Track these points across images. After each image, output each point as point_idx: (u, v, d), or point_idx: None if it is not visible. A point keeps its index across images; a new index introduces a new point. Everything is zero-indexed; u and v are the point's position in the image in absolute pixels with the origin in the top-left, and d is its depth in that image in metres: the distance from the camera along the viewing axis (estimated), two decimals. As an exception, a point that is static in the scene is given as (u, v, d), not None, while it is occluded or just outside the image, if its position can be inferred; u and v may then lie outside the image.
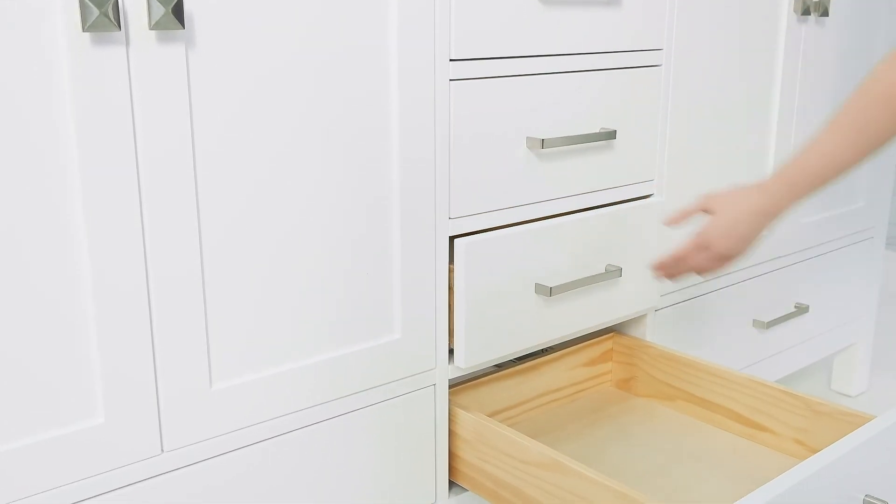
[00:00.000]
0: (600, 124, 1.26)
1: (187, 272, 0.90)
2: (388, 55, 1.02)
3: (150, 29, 0.81)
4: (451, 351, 1.17)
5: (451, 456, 1.20)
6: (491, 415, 1.31)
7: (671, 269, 1.09)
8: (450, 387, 1.25)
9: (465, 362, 1.16)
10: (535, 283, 1.21)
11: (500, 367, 1.35)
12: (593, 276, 1.27)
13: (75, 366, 0.86)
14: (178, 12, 0.82)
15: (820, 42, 1.61)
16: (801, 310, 1.70)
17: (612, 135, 1.24)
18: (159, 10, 0.81)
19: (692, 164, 1.43)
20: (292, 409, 1.02)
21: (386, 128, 1.03)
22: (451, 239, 1.15)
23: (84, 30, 0.78)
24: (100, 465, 0.89)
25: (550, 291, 1.20)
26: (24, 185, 0.79)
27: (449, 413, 1.19)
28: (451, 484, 1.23)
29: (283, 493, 1.03)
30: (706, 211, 1.05)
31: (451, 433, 1.19)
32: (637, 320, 1.44)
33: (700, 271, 1.06)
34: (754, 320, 1.63)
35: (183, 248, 0.90)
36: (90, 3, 0.77)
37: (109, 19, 0.78)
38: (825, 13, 1.57)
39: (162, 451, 0.93)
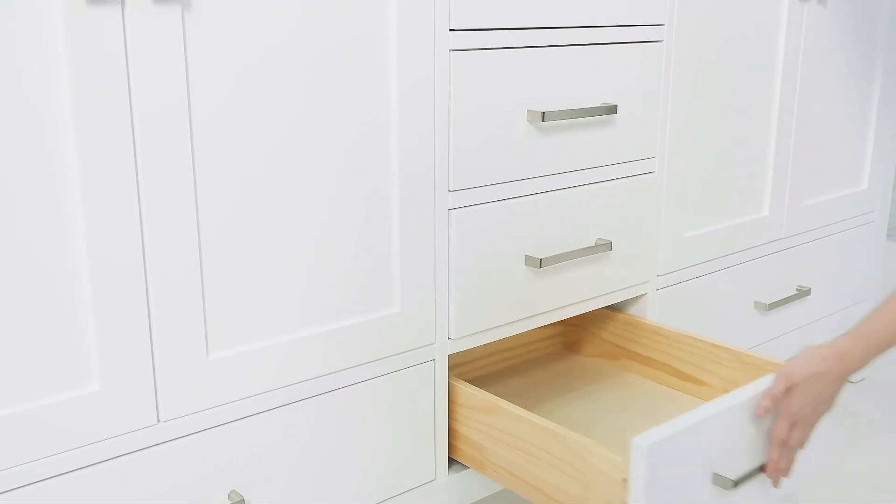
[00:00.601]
0: (601, 99, 1.25)
1: (184, 241, 0.90)
2: (388, 24, 1.01)
3: (146, -12, 0.80)
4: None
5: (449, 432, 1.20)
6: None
7: (783, 461, 1.06)
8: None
9: (456, 332, 1.15)
10: (525, 255, 1.21)
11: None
12: (583, 248, 1.26)
13: (70, 332, 0.85)
14: (174, -28, 0.81)
15: (821, 23, 1.60)
16: (803, 292, 1.69)
17: (613, 109, 1.23)
18: (155, -30, 0.80)
19: (693, 141, 1.42)
20: (290, 381, 1.01)
21: (385, 99, 1.02)
22: (451, 212, 1.14)
23: (79, -12, 0.77)
24: (95, 434, 0.88)
25: (540, 263, 1.20)
26: (19, 151, 0.78)
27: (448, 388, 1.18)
28: (451, 461, 1.23)
29: (280, 467, 1.03)
30: (789, 388, 1.02)
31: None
32: (636, 301, 1.43)
33: (802, 446, 1.05)
34: (755, 302, 1.62)
35: (180, 216, 0.89)
36: (85, -39, 0.76)
37: (105, -23, 0.77)
38: (827, -7, 1.56)
39: (158, 420, 0.92)
